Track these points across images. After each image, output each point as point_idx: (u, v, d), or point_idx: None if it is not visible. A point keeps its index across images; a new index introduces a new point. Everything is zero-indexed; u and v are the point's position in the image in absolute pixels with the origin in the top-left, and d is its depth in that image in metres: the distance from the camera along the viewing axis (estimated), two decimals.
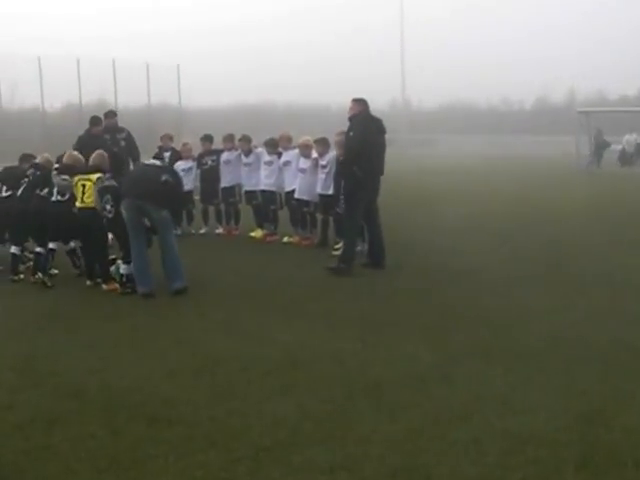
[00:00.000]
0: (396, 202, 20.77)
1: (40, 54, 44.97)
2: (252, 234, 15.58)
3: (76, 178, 11.08)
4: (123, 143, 16.05)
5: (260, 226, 15.66)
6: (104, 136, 15.69)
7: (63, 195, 11.27)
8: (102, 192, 10.75)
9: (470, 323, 8.92)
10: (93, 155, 11.47)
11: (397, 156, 42.68)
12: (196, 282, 10.91)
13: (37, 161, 12.33)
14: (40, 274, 11.15)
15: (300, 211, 14.62)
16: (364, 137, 11.66)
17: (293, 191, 14.61)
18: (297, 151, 14.62)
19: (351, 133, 11.82)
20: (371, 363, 7.57)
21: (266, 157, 15.25)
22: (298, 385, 6.97)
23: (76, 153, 12.02)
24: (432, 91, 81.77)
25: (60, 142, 16.09)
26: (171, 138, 16.98)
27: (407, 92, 79.71)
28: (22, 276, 11.64)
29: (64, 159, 11.83)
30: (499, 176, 31.59)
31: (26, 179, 11.80)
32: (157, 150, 16.66)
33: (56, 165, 11.86)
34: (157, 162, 11.33)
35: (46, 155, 12.66)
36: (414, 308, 9.67)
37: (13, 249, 11.73)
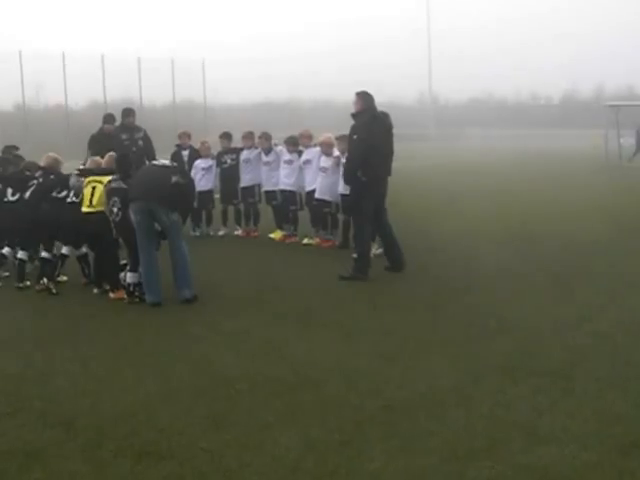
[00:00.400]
0: (420, 202, 20.27)
1: (64, 50, 44.94)
2: (271, 235, 15.06)
3: (87, 179, 10.68)
4: (141, 143, 15.47)
5: (280, 227, 15.11)
6: (121, 135, 15.18)
7: (77, 196, 10.82)
8: (110, 194, 10.23)
9: (492, 335, 8.31)
10: (105, 158, 11.09)
11: (426, 152, 42.16)
12: (208, 288, 10.46)
13: (42, 164, 11.73)
14: (45, 280, 10.71)
15: (321, 212, 14.02)
16: (369, 141, 10.99)
17: (314, 191, 14.03)
18: (318, 149, 14.05)
19: (355, 137, 11.14)
20: (386, 383, 6.98)
21: (286, 156, 14.68)
22: (305, 410, 6.41)
23: (98, 158, 11.62)
24: (459, 86, 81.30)
25: (84, 141, 15.42)
26: (189, 136, 16.40)
27: (434, 87, 78.91)
28: (28, 283, 11.15)
29: (87, 164, 11.61)
30: (529, 173, 30.77)
31: (34, 181, 11.30)
32: (175, 148, 16.11)
33: (80, 167, 11.61)
34: (166, 162, 10.72)
35: (52, 155, 12.02)
36: (434, 319, 9.06)
37: (20, 254, 11.24)
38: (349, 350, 7.90)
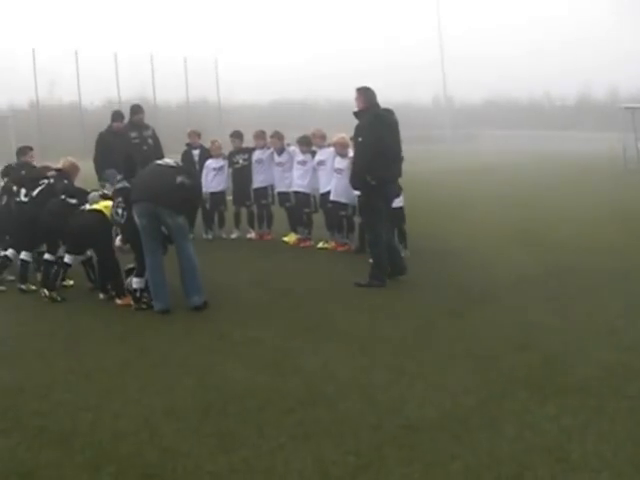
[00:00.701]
0: (436, 205, 19.82)
1: (77, 48, 44.78)
2: (285, 239, 14.69)
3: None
4: (151, 142, 15.05)
5: (294, 230, 14.72)
6: (130, 134, 14.77)
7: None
8: (114, 195, 9.90)
9: (515, 348, 7.85)
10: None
11: (442, 154, 41.78)
12: (218, 294, 10.08)
13: (60, 166, 11.39)
14: (46, 291, 10.29)
15: (336, 215, 13.60)
16: (374, 146, 10.49)
17: (328, 193, 13.63)
18: (332, 150, 13.62)
19: (360, 139, 10.68)
20: (406, 400, 6.55)
21: (299, 156, 14.31)
22: (319, 429, 6.00)
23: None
24: (473, 87, 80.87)
25: None
26: (199, 135, 16.03)
27: (449, 88, 78.31)
28: (33, 287, 10.81)
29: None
30: (546, 176, 30.19)
31: (45, 180, 10.98)
32: (185, 147, 15.71)
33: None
34: (171, 162, 10.20)
35: (71, 159, 11.65)
36: (455, 330, 8.60)
37: (23, 255, 10.91)
38: (366, 363, 7.49)
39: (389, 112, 10.83)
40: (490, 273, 11.59)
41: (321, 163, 13.84)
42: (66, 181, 10.92)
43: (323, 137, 14.12)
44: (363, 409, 6.36)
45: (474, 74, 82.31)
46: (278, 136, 14.79)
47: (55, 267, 10.37)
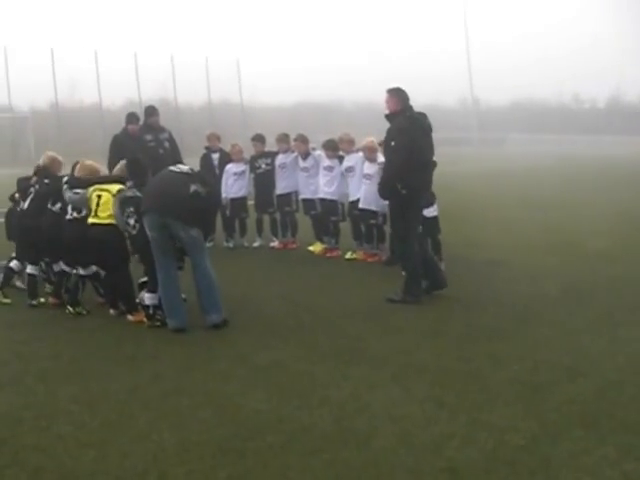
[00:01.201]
0: (467, 212, 19.03)
1: (97, 49, 44.52)
2: (310, 248, 14.01)
3: (91, 189, 9.53)
4: (167, 145, 14.37)
5: (319, 239, 14.01)
6: (145, 136, 14.12)
7: (79, 211, 9.71)
8: (124, 204, 9.22)
9: (567, 377, 7.12)
10: (117, 166, 9.96)
11: (469, 157, 41.06)
12: (238, 310, 9.42)
13: (40, 165, 10.62)
14: (70, 308, 9.69)
15: (365, 223, 12.91)
16: (407, 150, 9.70)
17: (357, 200, 12.92)
18: (361, 155, 12.92)
19: (392, 143, 9.87)
20: (446, 437, 5.85)
21: (326, 161, 13.55)
22: (349, 472, 5.33)
23: (91, 163, 10.29)
24: (501, 89, 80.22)
25: None
26: (218, 137, 15.26)
27: (476, 90, 77.52)
28: (42, 300, 10.23)
29: (77, 171, 10.12)
30: (578, 182, 29.38)
31: (32, 189, 10.32)
32: (204, 151, 15.05)
33: (65, 178, 10.05)
34: (186, 168, 9.43)
35: (50, 154, 10.84)
36: (498, 355, 7.83)
37: (29, 269, 10.28)
38: (401, 394, 6.78)
39: (423, 115, 10.08)
40: (532, 286, 10.90)
41: (349, 169, 13.13)
42: (46, 181, 10.16)
43: (351, 142, 13.38)
44: (399, 449, 5.67)
45: (501, 76, 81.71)
46: (302, 139, 14.07)
47: (71, 279, 9.80)
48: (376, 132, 13.93)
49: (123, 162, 9.90)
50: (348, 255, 13.25)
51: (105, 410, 6.52)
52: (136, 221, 9.05)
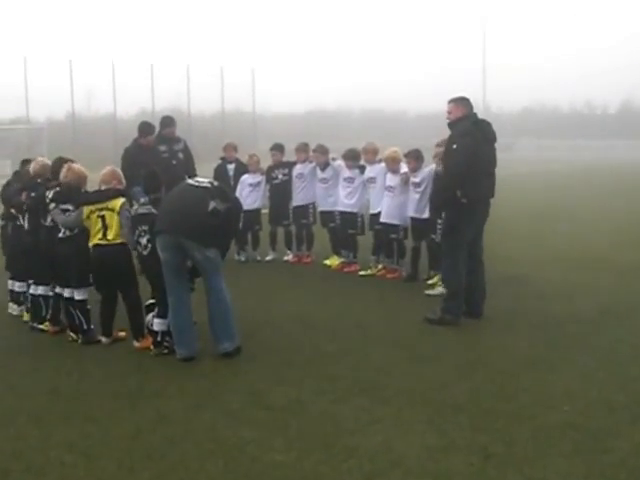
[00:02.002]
0: (490, 222, 17.94)
1: (114, 59, 44.05)
2: (327, 262, 13.03)
3: (86, 210, 8.44)
4: (181, 156, 13.44)
5: (337, 253, 13.04)
6: (159, 147, 13.21)
7: (72, 229, 8.65)
8: (135, 222, 8.29)
9: (631, 420, 6.15)
10: (103, 172, 8.71)
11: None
12: (250, 335, 8.44)
13: (30, 168, 9.54)
14: (72, 334, 8.77)
15: (386, 237, 11.93)
16: (470, 154, 8.74)
17: (378, 214, 11.97)
18: (383, 165, 11.96)
19: (454, 146, 8.89)
20: None
21: (346, 172, 12.57)
22: None
23: (80, 168, 8.93)
24: (513, 94, 79.51)
25: None
26: (235, 148, 14.26)
27: (488, 96, 76.57)
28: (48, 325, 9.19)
29: (63, 175, 8.81)
30: (600, 188, 28.35)
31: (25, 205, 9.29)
32: (220, 162, 14.13)
33: (50, 194, 8.79)
34: (205, 181, 8.38)
35: (40, 160, 9.69)
36: (544, 391, 6.84)
37: (33, 290, 9.30)
38: (439, 441, 5.81)
39: (487, 123, 9.17)
40: (564, 305, 9.95)
41: (371, 180, 12.16)
42: (33, 194, 9.05)
43: (375, 152, 12.34)
44: None
45: (513, 81, 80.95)
46: (322, 150, 13.06)
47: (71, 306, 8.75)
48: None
49: (108, 169, 8.77)
50: (362, 272, 12.27)
51: (103, 462, 5.60)
52: (148, 241, 8.13)
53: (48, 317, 9.14)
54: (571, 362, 7.60)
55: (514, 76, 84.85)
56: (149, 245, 8.14)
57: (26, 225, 9.22)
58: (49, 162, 9.53)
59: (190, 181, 8.53)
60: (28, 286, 9.45)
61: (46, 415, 6.53)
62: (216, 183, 8.60)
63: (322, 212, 13.18)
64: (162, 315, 8.10)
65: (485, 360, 7.75)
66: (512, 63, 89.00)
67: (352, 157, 12.47)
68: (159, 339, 8.14)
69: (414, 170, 11.32)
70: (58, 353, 8.38)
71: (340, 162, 12.72)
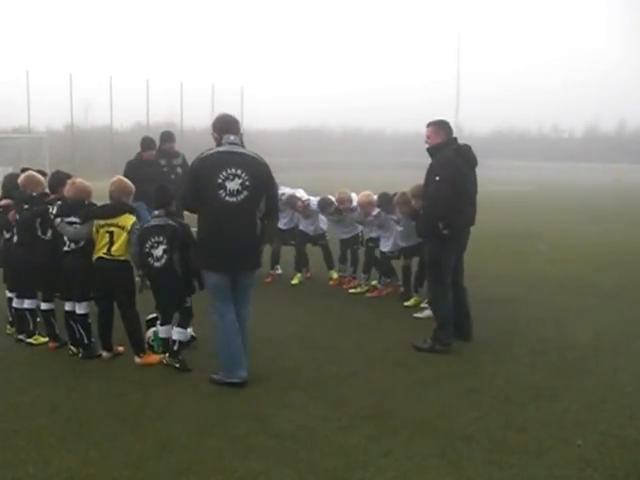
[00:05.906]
0: (478, 244, 17.46)
1: (112, 75, 43.74)
2: (294, 281, 12.50)
3: (97, 222, 7.83)
4: (180, 170, 12.88)
5: (331, 268, 12.57)
6: (159, 161, 12.69)
7: (77, 242, 8.01)
8: (147, 233, 7.65)
9: None
10: (112, 185, 7.96)
11: None
12: (254, 356, 7.58)
13: (20, 181, 8.72)
14: (73, 348, 8.18)
15: (384, 258, 11.46)
16: (453, 185, 8.08)
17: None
18: (359, 211, 11.46)
19: (437, 178, 8.14)
20: None
21: (331, 218, 12.26)
22: None
23: (82, 183, 8.16)
24: (484, 118, 79.95)
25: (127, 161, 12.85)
26: None
27: (460, 119, 76.59)
28: (46, 340, 8.56)
29: (66, 191, 8.13)
30: (570, 208, 27.93)
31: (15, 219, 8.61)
32: None
33: (55, 209, 8.08)
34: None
35: (29, 174, 8.78)
36: (554, 422, 6.26)
37: (17, 303, 8.71)
38: (454, 477, 5.21)
39: (467, 148, 8.46)
40: (560, 330, 9.40)
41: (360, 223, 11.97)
42: (26, 207, 8.38)
43: (349, 200, 11.62)
44: None
45: (485, 107, 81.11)
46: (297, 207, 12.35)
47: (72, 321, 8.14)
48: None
49: (114, 180, 8.03)
50: (352, 290, 11.72)
51: None
52: (164, 252, 7.53)
53: (36, 330, 8.58)
54: (575, 390, 7.04)
55: (487, 101, 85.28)
56: (165, 256, 7.53)
57: (15, 238, 8.55)
58: (39, 176, 8.81)
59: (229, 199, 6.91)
60: (10, 300, 8.87)
61: (45, 437, 5.89)
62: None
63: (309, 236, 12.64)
64: (183, 325, 7.62)
65: (488, 387, 7.14)
66: (484, 89, 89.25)
67: (325, 206, 11.91)
68: (175, 348, 7.59)
69: (388, 213, 10.92)
70: (58, 367, 7.73)
71: (314, 201, 12.18)
